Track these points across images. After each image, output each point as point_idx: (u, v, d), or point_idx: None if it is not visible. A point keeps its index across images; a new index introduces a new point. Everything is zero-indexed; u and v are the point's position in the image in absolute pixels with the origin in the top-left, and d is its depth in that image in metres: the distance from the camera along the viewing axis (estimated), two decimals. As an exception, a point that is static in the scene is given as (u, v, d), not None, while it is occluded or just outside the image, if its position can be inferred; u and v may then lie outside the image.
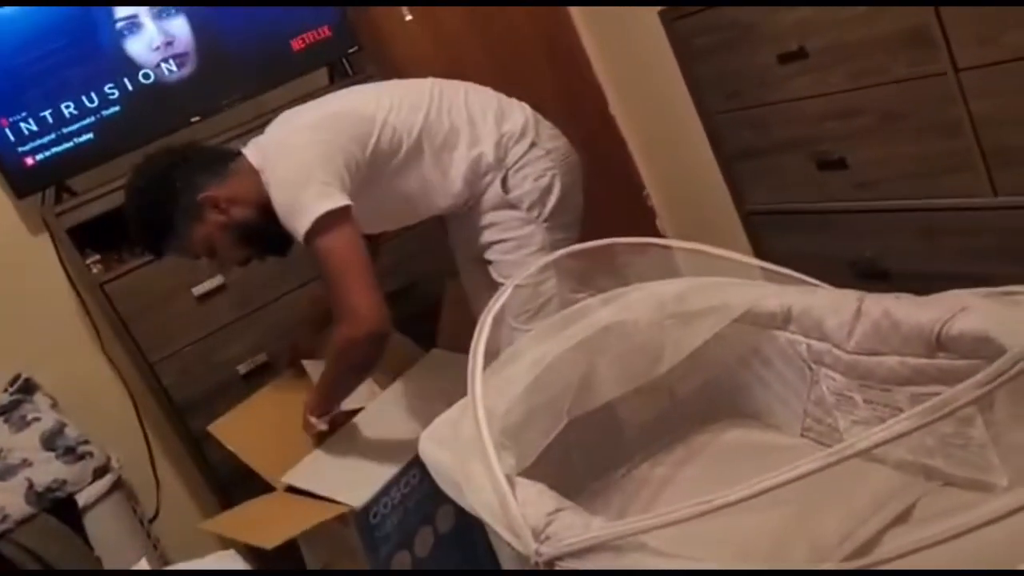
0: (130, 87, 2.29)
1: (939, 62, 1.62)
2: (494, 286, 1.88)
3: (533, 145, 1.83)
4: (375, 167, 1.73)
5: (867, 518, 1.27)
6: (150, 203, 1.69)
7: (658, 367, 1.61)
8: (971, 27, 1.55)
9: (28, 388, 2.22)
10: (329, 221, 1.58)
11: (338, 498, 1.70)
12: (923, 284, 1.32)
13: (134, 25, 2.28)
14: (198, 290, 2.23)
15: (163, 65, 2.31)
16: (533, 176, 1.82)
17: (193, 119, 2.33)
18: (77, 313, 2.39)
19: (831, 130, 1.92)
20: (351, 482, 1.75)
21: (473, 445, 1.23)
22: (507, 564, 1.42)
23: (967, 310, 1.15)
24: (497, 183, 1.82)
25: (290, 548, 1.84)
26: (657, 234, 3.11)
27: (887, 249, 1.94)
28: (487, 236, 1.86)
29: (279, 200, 1.63)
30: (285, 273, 2.26)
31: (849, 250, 2.01)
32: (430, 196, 1.83)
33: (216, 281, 2.23)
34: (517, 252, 1.84)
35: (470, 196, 1.84)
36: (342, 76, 2.52)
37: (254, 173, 1.70)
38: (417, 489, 1.83)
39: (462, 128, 1.80)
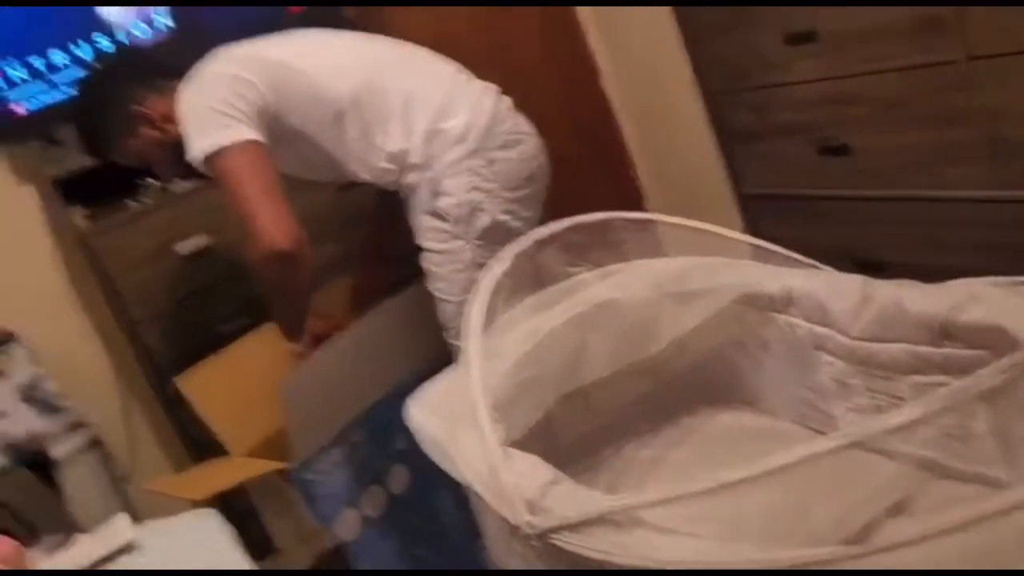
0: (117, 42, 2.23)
1: (953, 50, 1.60)
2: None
3: (474, 152, 1.67)
4: (288, 116, 1.66)
5: (861, 506, 1.26)
6: (83, 108, 1.70)
7: (652, 346, 1.59)
8: (990, 15, 1.52)
9: (6, 340, 2.17)
10: (228, 149, 1.54)
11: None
12: (921, 276, 1.29)
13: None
14: (182, 248, 2.17)
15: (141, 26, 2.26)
16: (465, 188, 1.67)
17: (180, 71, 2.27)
18: (59, 267, 2.33)
19: (835, 115, 1.90)
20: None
21: (465, 412, 1.20)
22: (493, 537, 1.39)
23: (977, 299, 1.13)
24: (427, 185, 1.69)
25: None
26: (646, 216, 3.07)
27: (886, 239, 1.92)
28: (420, 240, 1.75)
29: (183, 120, 1.59)
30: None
31: (847, 238, 2.00)
32: (350, 164, 1.73)
33: (202, 240, 2.18)
34: (444, 266, 1.73)
35: (397, 183, 1.74)
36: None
37: None
38: (363, 447, 1.82)
39: (394, 113, 1.67)
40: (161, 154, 1.70)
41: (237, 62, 1.64)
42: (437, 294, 1.76)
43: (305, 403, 1.72)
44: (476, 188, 1.68)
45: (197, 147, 1.55)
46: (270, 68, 1.64)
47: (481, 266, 1.58)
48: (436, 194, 1.68)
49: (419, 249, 1.76)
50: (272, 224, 1.51)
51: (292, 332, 1.79)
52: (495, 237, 1.67)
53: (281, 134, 1.63)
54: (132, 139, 1.68)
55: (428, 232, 1.72)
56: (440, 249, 1.72)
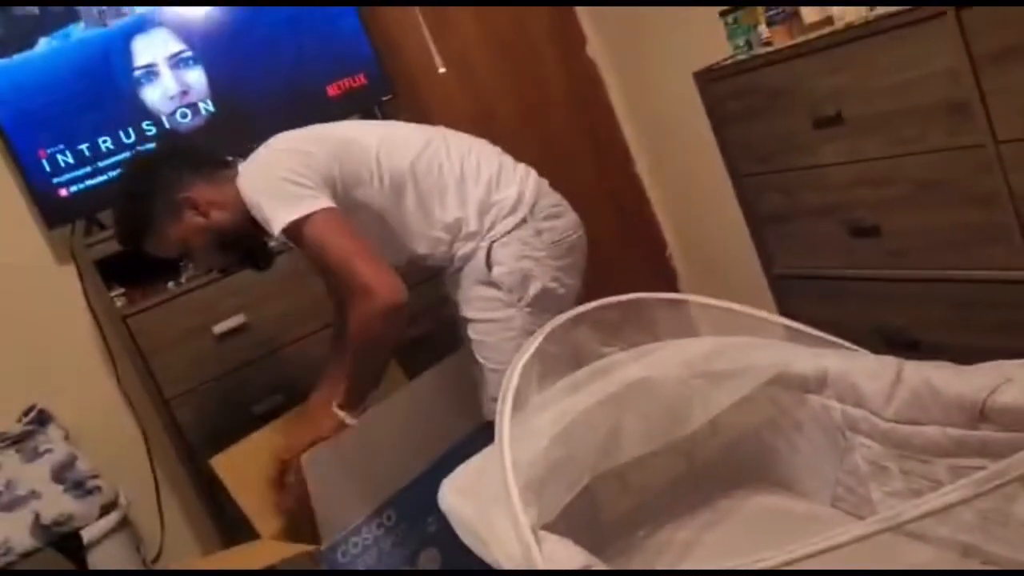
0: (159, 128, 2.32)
1: (979, 133, 1.61)
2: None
3: (523, 222, 1.75)
4: (352, 189, 1.69)
5: (901, 594, 1.23)
6: (129, 191, 1.70)
7: (686, 427, 1.58)
8: (1012, 99, 1.54)
9: (42, 419, 2.20)
10: (312, 217, 1.56)
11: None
12: (954, 356, 1.29)
13: (152, 74, 2.33)
14: (219, 328, 2.21)
15: (180, 112, 2.35)
16: (515, 256, 1.74)
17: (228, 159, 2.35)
18: (97, 345, 2.38)
19: (865, 197, 1.91)
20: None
21: (498, 495, 1.20)
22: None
23: (1012, 381, 1.12)
24: (481, 255, 1.75)
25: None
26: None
27: (918, 319, 1.91)
28: (468, 310, 1.80)
29: (253, 199, 1.60)
30: (307, 314, 2.25)
31: (879, 318, 1.99)
32: (409, 237, 1.77)
33: (238, 320, 2.22)
34: (495, 335, 1.77)
35: (451, 254, 1.78)
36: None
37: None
38: (393, 530, 1.82)
39: (449, 185, 1.74)
40: (204, 241, 1.71)
41: (297, 140, 1.70)
42: (486, 363, 1.79)
43: (330, 479, 1.72)
44: (526, 256, 1.74)
45: (280, 218, 1.56)
46: (330, 142, 1.69)
47: (531, 333, 1.60)
48: (489, 263, 1.74)
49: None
50: (380, 281, 1.55)
51: (364, 398, 1.74)
52: (544, 304, 1.74)
53: (345, 205, 1.66)
54: (175, 225, 1.69)
55: (478, 301, 1.77)
56: (491, 318, 1.77)
